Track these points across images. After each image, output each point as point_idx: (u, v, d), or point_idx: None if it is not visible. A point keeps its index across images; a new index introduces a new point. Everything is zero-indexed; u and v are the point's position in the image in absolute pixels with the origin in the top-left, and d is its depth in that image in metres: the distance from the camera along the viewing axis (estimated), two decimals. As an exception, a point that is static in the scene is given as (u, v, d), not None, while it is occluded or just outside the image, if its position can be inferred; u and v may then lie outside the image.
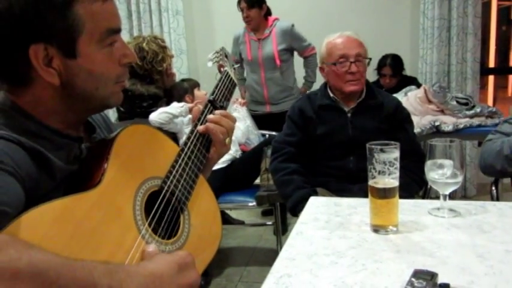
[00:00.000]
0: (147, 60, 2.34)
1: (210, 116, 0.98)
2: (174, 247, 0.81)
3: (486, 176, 1.69)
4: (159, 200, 0.82)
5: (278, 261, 0.92)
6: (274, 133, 2.81)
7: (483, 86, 3.99)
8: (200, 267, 0.86)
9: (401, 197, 1.03)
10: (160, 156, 0.88)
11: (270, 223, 3.05)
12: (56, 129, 0.77)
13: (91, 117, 0.90)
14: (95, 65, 0.76)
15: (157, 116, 2.22)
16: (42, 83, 0.73)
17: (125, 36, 3.74)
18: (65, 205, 0.67)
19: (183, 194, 0.87)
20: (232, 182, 2.48)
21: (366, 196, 1.11)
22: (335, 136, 1.85)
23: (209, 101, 1.02)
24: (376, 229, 1.03)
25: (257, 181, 2.56)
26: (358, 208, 1.20)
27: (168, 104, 2.34)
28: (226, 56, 1.23)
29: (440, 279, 0.78)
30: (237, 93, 1.08)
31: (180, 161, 0.89)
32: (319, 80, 3.10)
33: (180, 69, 3.72)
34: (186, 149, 0.92)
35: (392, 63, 3.33)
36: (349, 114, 1.88)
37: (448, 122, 2.63)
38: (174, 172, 0.87)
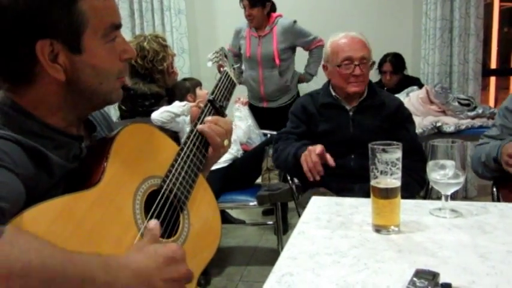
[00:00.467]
0: (147, 59, 2.35)
1: (207, 119, 0.99)
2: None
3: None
4: (159, 199, 0.82)
5: (280, 260, 0.92)
6: (275, 133, 2.81)
7: (485, 87, 3.99)
8: (200, 266, 0.86)
9: (402, 197, 1.03)
10: (160, 155, 0.88)
11: (270, 222, 3.06)
12: (57, 127, 0.77)
13: (91, 116, 0.90)
14: (99, 60, 0.76)
15: (159, 114, 2.23)
16: (47, 79, 0.74)
17: (127, 35, 3.75)
18: (66, 203, 0.67)
19: (182, 193, 0.87)
20: (233, 181, 2.48)
21: (366, 196, 1.11)
22: (336, 134, 1.86)
23: (209, 100, 1.02)
24: (378, 229, 1.04)
25: (258, 180, 2.56)
26: (359, 208, 1.20)
27: (169, 103, 2.34)
28: (225, 56, 1.24)
29: (442, 279, 0.78)
30: (238, 92, 1.08)
31: (179, 160, 0.89)
32: (320, 78, 3.12)
33: (182, 69, 3.72)
34: (185, 149, 0.92)
35: (393, 60, 3.33)
36: (350, 113, 1.89)
37: (449, 123, 2.64)
38: (173, 171, 0.87)
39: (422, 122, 2.64)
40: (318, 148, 1.66)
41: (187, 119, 2.28)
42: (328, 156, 1.66)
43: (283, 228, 2.82)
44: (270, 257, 2.76)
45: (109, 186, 0.75)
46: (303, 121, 1.92)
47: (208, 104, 1.02)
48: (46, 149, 0.73)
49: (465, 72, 3.45)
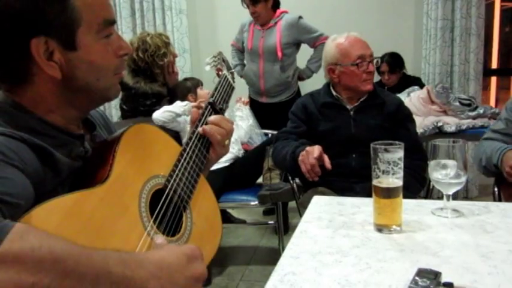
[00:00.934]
0: (149, 52, 2.36)
1: (210, 118, 1.00)
2: (177, 244, 0.82)
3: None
4: (163, 198, 0.84)
5: (282, 259, 0.92)
6: (276, 132, 2.82)
7: (486, 87, 3.99)
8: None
9: (403, 196, 1.04)
10: (164, 155, 0.90)
11: (271, 222, 3.06)
12: (57, 126, 0.77)
13: (90, 115, 0.91)
14: (95, 56, 0.76)
15: (160, 114, 2.23)
16: (44, 78, 0.74)
17: (128, 34, 3.76)
18: (75, 200, 0.68)
19: (185, 192, 0.89)
20: (234, 180, 2.48)
21: (368, 195, 1.12)
22: (337, 133, 1.86)
23: (209, 103, 1.04)
24: (380, 228, 1.04)
25: (259, 180, 2.56)
26: (361, 207, 1.20)
27: (170, 102, 2.35)
28: (223, 61, 1.27)
29: (444, 279, 0.79)
30: (239, 89, 1.09)
31: (182, 160, 0.91)
32: (318, 79, 3.10)
33: (183, 68, 3.72)
34: (188, 149, 0.94)
35: (389, 59, 3.33)
36: (351, 112, 1.89)
37: (450, 123, 2.64)
38: (177, 171, 0.89)
39: (423, 122, 2.64)
40: (316, 151, 1.65)
41: (188, 119, 2.29)
42: (326, 158, 1.66)
43: (284, 228, 2.82)
44: (270, 257, 2.76)
45: (116, 184, 0.76)
46: (303, 121, 1.93)
47: (209, 107, 1.04)
48: (50, 147, 0.73)
49: (466, 72, 3.46)
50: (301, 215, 1.19)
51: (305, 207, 1.27)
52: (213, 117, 1.00)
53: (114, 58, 0.81)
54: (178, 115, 2.26)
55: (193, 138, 0.96)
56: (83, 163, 0.81)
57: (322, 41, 3.02)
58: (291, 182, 2.23)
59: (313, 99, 1.95)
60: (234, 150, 2.61)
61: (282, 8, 3.20)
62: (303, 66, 3.25)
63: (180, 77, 2.80)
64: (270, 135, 2.90)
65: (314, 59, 3.16)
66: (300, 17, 3.08)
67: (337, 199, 1.31)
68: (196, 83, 2.58)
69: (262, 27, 3.12)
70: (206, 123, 0.99)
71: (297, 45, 3.15)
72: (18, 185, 0.64)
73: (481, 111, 2.70)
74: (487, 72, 3.78)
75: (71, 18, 0.72)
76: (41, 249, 0.54)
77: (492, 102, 4.44)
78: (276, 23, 3.08)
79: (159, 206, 0.82)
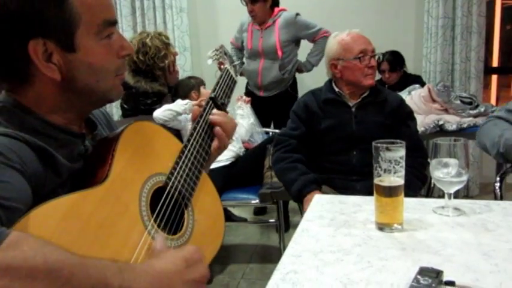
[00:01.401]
0: (149, 55, 2.35)
1: (217, 111, 0.99)
2: (178, 242, 0.82)
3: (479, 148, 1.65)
4: (164, 196, 0.83)
5: (284, 258, 0.92)
6: (277, 131, 2.82)
7: (486, 85, 3.98)
8: (205, 263, 0.87)
9: (405, 194, 1.04)
10: (164, 153, 0.89)
11: (272, 220, 3.06)
12: (58, 126, 0.77)
13: (92, 114, 0.90)
14: (95, 57, 0.75)
15: (161, 113, 2.23)
16: (43, 79, 0.73)
17: (128, 33, 3.76)
18: (73, 201, 0.68)
19: (186, 190, 0.88)
20: (235, 179, 2.48)
21: (369, 194, 1.12)
22: (339, 130, 1.86)
23: (210, 98, 1.02)
24: (381, 227, 1.04)
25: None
26: (363, 206, 1.20)
27: (173, 100, 2.35)
28: (225, 54, 1.24)
29: (446, 277, 0.79)
30: (239, 86, 1.08)
31: (183, 157, 0.90)
32: (316, 72, 3.10)
33: (183, 67, 3.72)
34: (189, 146, 0.92)
35: (390, 58, 3.33)
36: (353, 109, 1.90)
37: (451, 121, 2.63)
38: (178, 168, 0.87)
39: (424, 121, 2.64)
40: None
41: (189, 117, 2.29)
42: None
43: (285, 227, 2.83)
44: (271, 255, 2.76)
45: (115, 184, 0.75)
46: (303, 121, 1.92)
47: (210, 102, 1.02)
48: (52, 149, 0.73)
49: (467, 71, 3.45)
50: (302, 214, 1.20)
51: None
52: (217, 111, 0.99)
53: (116, 59, 0.80)
54: (179, 114, 2.26)
55: (195, 135, 0.95)
56: (84, 162, 0.80)
57: (322, 35, 3.08)
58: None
59: (315, 97, 1.95)
60: (235, 148, 2.61)
61: (282, 6, 3.21)
62: (303, 59, 3.27)
63: (181, 75, 2.79)
64: (270, 133, 2.91)
65: (314, 52, 3.20)
66: (298, 14, 3.11)
67: (338, 197, 1.31)
68: (200, 82, 2.59)
69: (261, 27, 3.16)
70: (207, 119, 0.98)
71: (296, 42, 3.18)
72: (17, 188, 0.63)
73: (482, 109, 2.70)
74: (488, 70, 3.78)
75: (70, 19, 0.71)
76: (35, 258, 0.54)
77: (493, 101, 4.44)
78: (274, 22, 3.11)
79: (160, 204, 0.82)
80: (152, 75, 2.40)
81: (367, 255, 0.92)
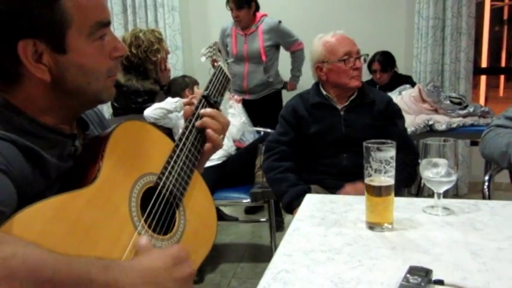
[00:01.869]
0: (142, 48, 2.34)
1: (207, 110, 0.97)
2: (170, 243, 0.82)
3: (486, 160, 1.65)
4: (155, 196, 0.82)
5: (276, 257, 0.93)
6: (269, 130, 2.82)
7: (475, 85, 4.03)
8: (196, 263, 0.86)
9: (396, 191, 1.05)
10: (156, 152, 0.88)
11: (263, 220, 3.07)
12: (49, 126, 0.76)
13: (84, 113, 0.89)
14: (86, 59, 0.74)
15: (152, 111, 2.23)
16: (33, 79, 0.72)
17: (119, 31, 3.73)
18: (61, 202, 0.67)
19: (178, 189, 0.87)
20: (227, 178, 2.48)
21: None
22: (328, 134, 1.87)
23: (203, 96, 1.01)
24: (372, 226, 1.05)
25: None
26: (353, 205, 1.21)
27: (166, 97, 2.35)
28: (219, 51, 1.22)
29: (435, 276, 0.80)
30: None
31: (175, 156, 0.89)
32: (306, 77, 3.15)
33: (175, 65, 3.71)
34: (180, 145, 0.91)
35: (381, 58, 3.36)
36: (342, 112, 1.90)
37: (441, 121, 2.66)
38: (169, 168, 0.87)
39: (414, 121, 2.66)
40: None
41: (180, 114, 2.28)
42: None
43: (279, 225, 2.84)
44: (262, 254, 2.77)
45: (105, 184, 0.74)
46: (292, 126, 1.91)
47: (203, 100, 1.00)
48: (40, 149, 0.72)
49: (457, 71, 3.49)
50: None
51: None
52: (208, 110, 0.97)
53: (108, 60, 0.79)
54: (170, 111, 2.25)
55: (187, 134, 0.94)
56: (73, 163, 0.79)
57: (298, 47, 3.35)
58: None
59: (302, 101, 1.94)
60: (227, 147, 2.61)
61: (276, 7, 3.29)
62: (283, 65, 3.46)
63: (172, 74, 2.79)
64: (262, 133, 2.91)
65: (295, 65, 3.44)
66: (280, 22, 3.30)
67: (329, 197, 1.32)
68: (194, 81, 2.58)
69: (244, 32, 3.30)
70: (201, 117, 0.97)
71: (277, 47, 3.38)
72: (2, 191, 0.62)
73: (471, 109, 2.73)
74: (477, 71, 3.83)
75: (61, 20, 0.70)
76: (14, 258, 0.53)
77: (482, 101, 4.49)
78: (257, 27, 3.28)
79: (151, 204, 0.81)
80: (144, 71, 2.38)
81: (357, 254, 0.93)
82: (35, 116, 0.74)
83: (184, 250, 0.72)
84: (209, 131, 0.96)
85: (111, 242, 0.71)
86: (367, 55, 1.95)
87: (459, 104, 2.76)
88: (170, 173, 0.86)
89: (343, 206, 1.22)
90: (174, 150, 0.90)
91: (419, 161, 1.14)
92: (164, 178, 0.85)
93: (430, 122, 2.64)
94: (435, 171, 1.11)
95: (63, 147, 0.78)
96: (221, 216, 3.05)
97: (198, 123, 0.96)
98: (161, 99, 2.32)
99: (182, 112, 2.26)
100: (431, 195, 1.15)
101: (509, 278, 0.81)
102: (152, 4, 3.79)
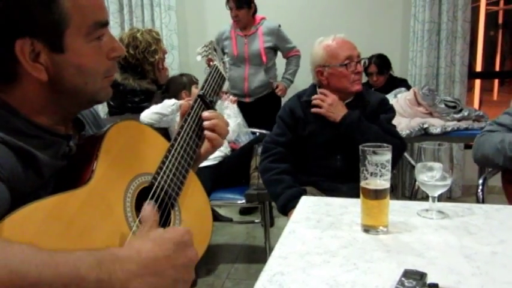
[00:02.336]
0: (139, 49, 2.33)
1: (213, 113, 0.98)
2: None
3: (478, 165, 1.67)
4: (150, 196, 0.82)
5: (271, 260, 0.93)
6: (264, 131, 2.83)
7: (470, 89, 4.06)
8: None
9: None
10: (151, 152, 0.87)
11: (258, 221, 3.07)
12: (44, 126, 0.75)
13: (80, 114, 0.89)
14: (83, 59, 0.74)
15: (148, 116, 2.22)
16: (30, 79, 0.72)
17: (116, 30, 3.72)
18: (55, 203, 0.66)
19: (173, 189, 0.86)
20: (222, 179, 2.48)
21: (355, 196, 1.13)
22: (323, 135, 1.87)
23: (199, 96, 1.01)
24: (367, 229, 1.05)
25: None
26: (349, 208, 1.22)
27: (163, 97, 2.34)
28: (215, 50, 1.22)
29: (429, 279, 0.80)
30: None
31: (170, 156, 0.88)
32: (300, 82, 3.19)
33: (171, 65, 3.70)
34: (176, 145, 0.91)
35: (378, 61, 3.38)
36: None
37: (436, 125, 2.68)
38: (164, 168, 0.86)
39: (409, 124, 2.68)
40: None
41: (176, 117, 2.28)
42: None
43: (270, 221, 2.84)
44: (257, 255, 2.77)
45: (99, 185, 0.74)
46: (289, 127, 1.91)
47: (198, 100, 1.00)
48: (34, 149, 0.71)
49: (452, 75, 3.51)
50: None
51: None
52: (214, 113, 0.98)
53: (106, 60, 0.78)
54: (166, 116, 2.25)
55: (182, 133, 0.93)
56: (67, 163, 0.79)
57: (294, 53, 3.39)
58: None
59: (299, 101, 1.94)
60: (222, 148, 2.61)
61: (275, 9, 3.31)
62: (281, 68, 3.48)
63: (169, 73, 2.78)
64: (257, 134, 2.91)
65: (289, 70, 3.45)
66: (279, 26, 3.34)
67: (325, 200, 1.32)
68: (192, 80, 2.56)
69: (244, 33, 3.31)
70: (200, 118, 0.97)
71: (275, 50, 3.41)
72: None
73: (466, 113, 2.75)
74: (472, 75, 3.85)
75: (59, 20, 0.70)
76: None
77: (476, 105, 4.52)
78: (257, 29, 3.31)
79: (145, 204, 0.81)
80: (141, 71, 2.38)
81: (353, 257, 0.93)
82: (30, 116, 0.74)
83: (189, 233, 0.70)
84: (211, 133, 0.96)
85: (105, 242, 0.70)
86: (367, 59, 1.94)
87: (454, 107, 2.78)
88: (165, 173, 0.86)
89: (339, 208, 1.22)
90: (169, 150, 0.89)
91: (414, 164, 1.14)
92: (159, 178, 0.85)
93: (425, 126, 2.66)
94: (430, 175, 1.11)
95: (57, 148, 0.77)
96: (216, 217, 3.05)
97: (206, 123, 0.96)
98: (158, 100, 2.31)
99: (179, 113, 2.28)
100: (425, 197, 1.16)
101: (503, 281, 0.82)
102: (149, 3, 3.78)
